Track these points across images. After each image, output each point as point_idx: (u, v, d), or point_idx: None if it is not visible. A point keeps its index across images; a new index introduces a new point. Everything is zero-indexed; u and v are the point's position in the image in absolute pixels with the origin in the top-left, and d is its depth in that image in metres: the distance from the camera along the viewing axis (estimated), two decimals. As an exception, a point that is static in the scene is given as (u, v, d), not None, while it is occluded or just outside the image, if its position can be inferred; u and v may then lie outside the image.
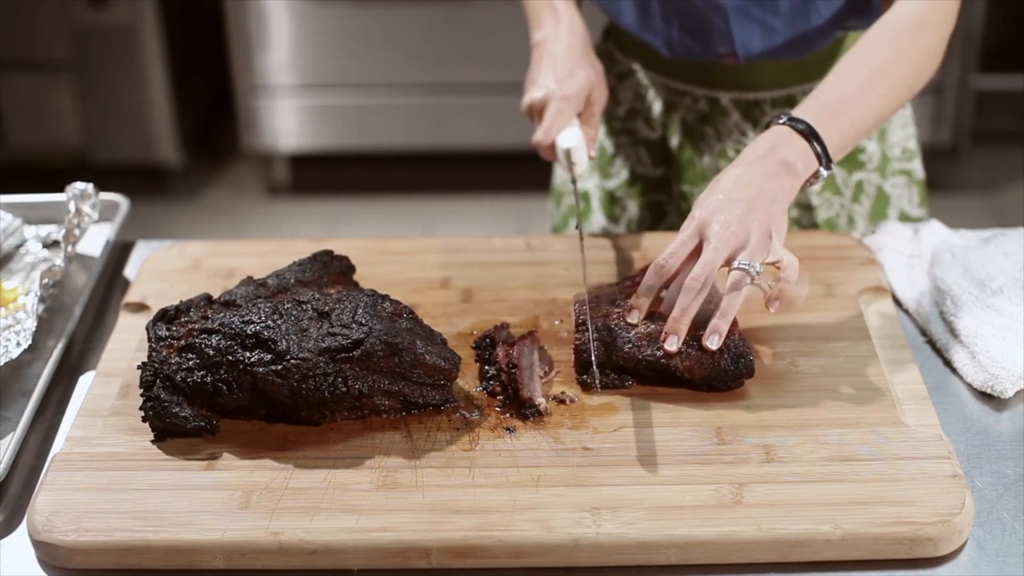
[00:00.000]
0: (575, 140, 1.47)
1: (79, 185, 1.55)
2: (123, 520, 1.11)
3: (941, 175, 4.01)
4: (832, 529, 1.08)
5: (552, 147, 1.48)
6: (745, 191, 1.27)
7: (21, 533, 1.16)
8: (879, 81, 1.39)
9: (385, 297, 1.26)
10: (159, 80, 3.78)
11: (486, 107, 3.64)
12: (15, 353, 1.34)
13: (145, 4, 3.69)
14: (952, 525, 1.09)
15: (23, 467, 1.25)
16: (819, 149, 1.32)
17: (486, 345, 1.34)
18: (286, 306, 1.25)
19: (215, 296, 1.33)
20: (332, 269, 1.39)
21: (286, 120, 3.86)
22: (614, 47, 1.77)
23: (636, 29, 1.62)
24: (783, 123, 1.33)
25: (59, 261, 1.44)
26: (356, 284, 1.39)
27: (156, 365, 1.24)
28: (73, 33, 3.73)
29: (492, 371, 1.29)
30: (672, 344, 1.23)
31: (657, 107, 1.73)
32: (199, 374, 1.22)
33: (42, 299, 1.41)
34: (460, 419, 1.24)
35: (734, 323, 1.28)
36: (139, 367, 1.25)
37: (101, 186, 1.60)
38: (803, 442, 1.19)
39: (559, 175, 1.88)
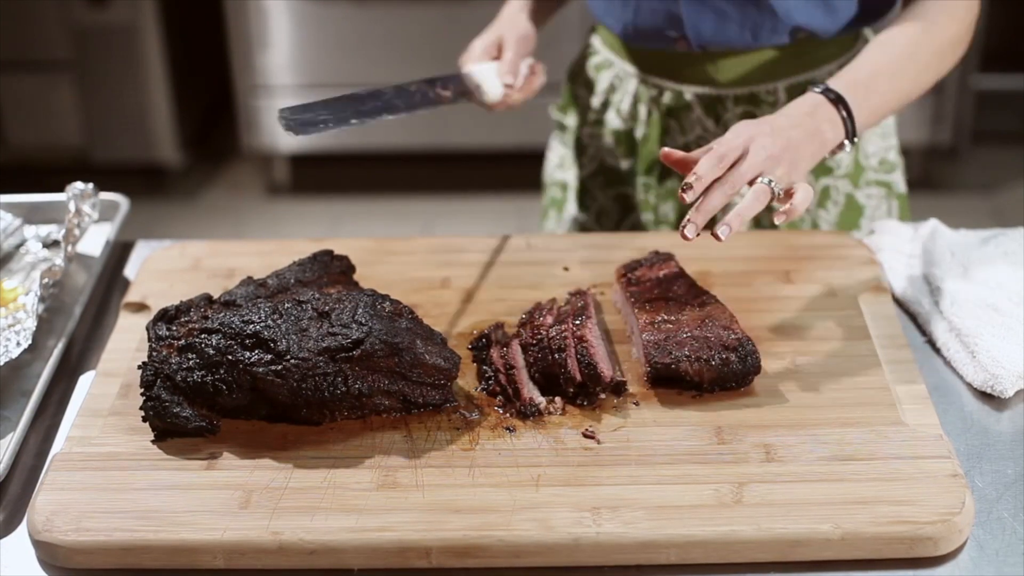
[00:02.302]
0: (483, 72, 1.64)
1: (79, 185, 1.55)
2: (123, 520, 1.11)
3: (941, 175, 4.01)
4: (832, 529, 1.08)
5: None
6: (790, 132, 1.34)
7: (21, 533, 1.16)
8: (907, 63, 1.47)
9: (385, 297, 1.26)
10: (159, 80, 3.78)
11: (486, 107, 3.65)
12: (15, 353, 1.34)
13: (145, 4, 3.70)
14: (952, 525, 1.09)
15: (23, 467, 1.25)
16: (847, 120, 1.39)
17: (482, 345, 1.34)
18: (286, 306, 1.25)
19: (215, 296, 1.33)
20: (332, 269, 1.39)
21: (286, 120, 3.86)
22: (599, 39, 1.83)
23: (599, 14, 1.72)
24: (818, 92, 1.40)
25: (59, 261, 1.44)
26: (356, 284, 1.39)
27: (156, 365, 1.24)
28: (73, 33, 3.73)
29: (490, 372, 1.29)
30: (690, 231, 1.26)
31: (628, 99, 1.76)
32: (199, 374, 1.22)
33: (42, 299, 1.41)
34: (460, 419, 1.24)
35: (736, 321, 1.28)
36: (139, 367, 1.25)
37: (101, 186, 1.60)
38: (803, 442, 1.19)
39: (547, 170, 1.94)
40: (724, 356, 1.25)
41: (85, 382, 1.37)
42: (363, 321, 1.22)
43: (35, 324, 1.37)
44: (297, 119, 1.45)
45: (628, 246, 1.53)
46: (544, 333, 1.30)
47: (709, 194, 1.28)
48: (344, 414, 1.23)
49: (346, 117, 1.49)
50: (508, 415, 1.24)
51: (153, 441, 1.22)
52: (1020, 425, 1.27)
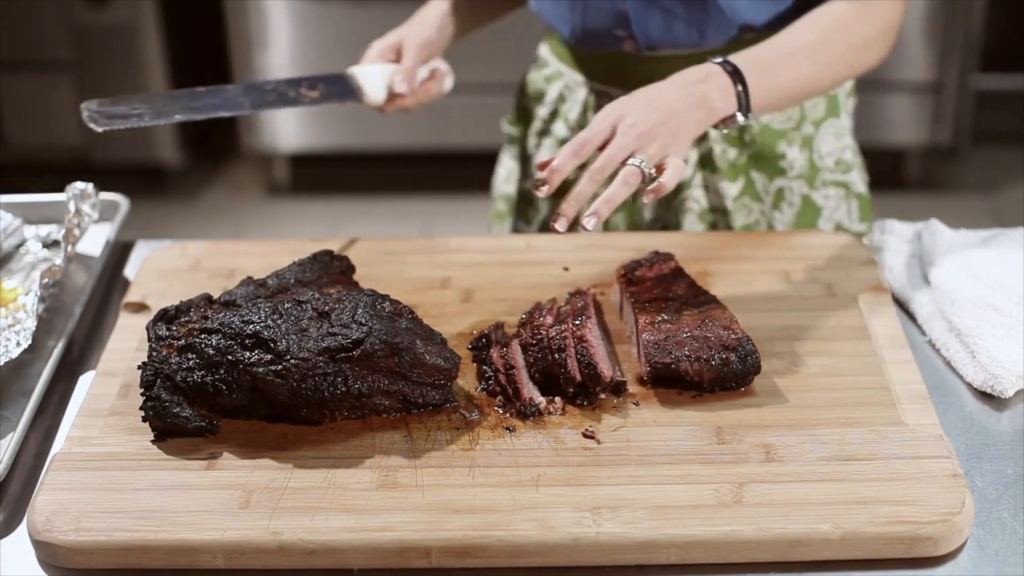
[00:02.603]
0: (366, 74, 1.64)
1: (79, 185, 1.55)
2: (123, 520, 1.11)
3: (941, 175, 4.02)
4: (832, 529, 1.08)
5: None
6: (665, 104, 1.33)
7: (21, 533, 1.16)
8: (815, 52, 1.47)
9: (385, 297, 1.26)
10: (159, 80, 3.78)
11: (486, 107, 3.64)
12: (15, 353, 1.34)
13: (145, 4, 3.70)
14: (952, 525, 1.09)
15: (23, 467, 1.25)
16: (741, 93, 1.39)
17: (482, 345, 1.34)
18: (286, 306, 1.25)
19: (215, 296, 1.33)
20: (332, 269, 1.39)
21: (286, 120, 3.87)
22: (549, 50, 1.82)
23: (548, 17, 1.71)
24: (717, 62, 1.41)
25: (59, 261, 1.44)
26: (356, 284, 1.39)
27: (156, 365, 1.24)
28: (73, 33, 3.73)
29: (490, 372, 1.29)
30: (561, 225, 1.25)
31: (577, 108, 1.76)
32: (199, 374, 1.22)
33: (42, 299, 1.41)
34: (460, 419, 1.24)
35: (736, 321, 1.28)
36: (139, 367, 1.25)
37: (101, 186, 1.60)
38: (803, 442, 1.19)
39: (495, 183, 1.94)
40: (724, 356, 1.25)
41: (85, 382, 1.37)
42: (363, 321, 1.22)
43: (35, 324, 1.37)
44: (103, 111, 1.41)
45: (628, 246, 1.53)
46: (544, 333, 1.30)
47: (579, 182, 1.27)
48: (344, 414, 1.23)
49: (170, 112, 1.45)
50: (508, 415, 1.24)
51: (153, 441, 1.22)
52: (1020, 425, 1.27)
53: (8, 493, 1.21)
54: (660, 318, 1.29)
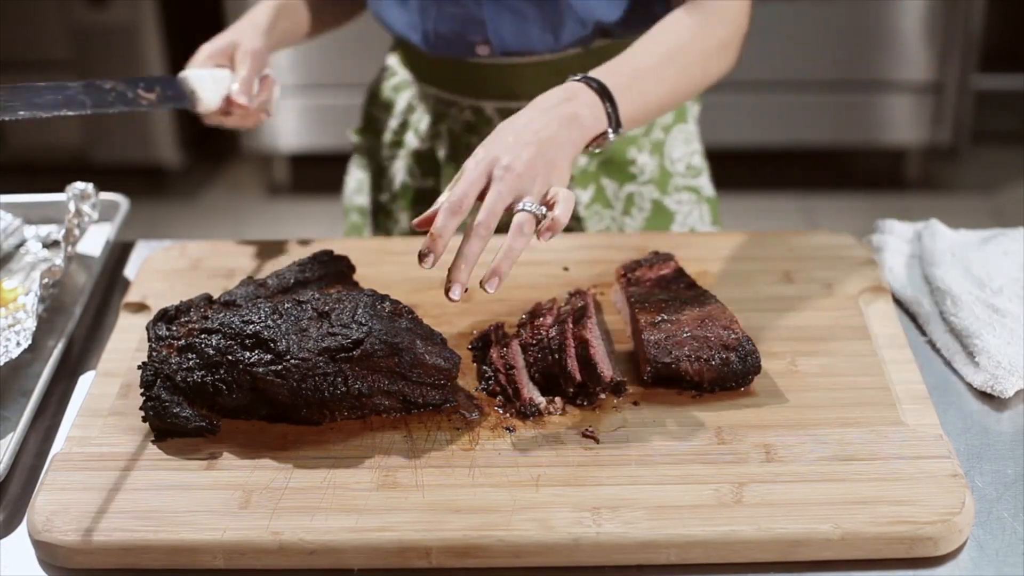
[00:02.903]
0: (200, 78, 1.54)
1: (79, 185, 1.55)
2: (123, 520, 1.11)
3: (941, 175, 4.02)
4: (832, 529, 1.08)
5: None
6: (535, 135, 1.26)
7: (21, 533, 1.16)
8: (673, 60, 1.43)
9: (385, 297, 1.26)
10: (159, 80, 3.78)
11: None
12: (15, 353, 1.34)
13: (145, 4, 3.70)
14: (952, 525, 1.09)
15: (23, 467, 1.25)
16: (610, 110, 1.33)
17: (482, 345, 1.34)
18: (286, 306, 1.25)
19: (215, 296, 1.33)
20: (332, 269, 1.39)
21: (286, 120, 3.87)
22: (396, 61, 1.80)
23: (397, 26, 1.65)
24: (578, 79, 1.35)
25: (59, 261, 1.44)
26: (356, 284, 1.39)
27: (156, 365, 1.24)
28: (73, 33, 3.73)
29: (490, 372, 1.29)
30: (455, 293, 1.18)
31: (426, 119, 1.74)
32: (199, 374, 1.22)
33: (42, 299, 1.41)
34: (460, 419, 1.24)
35: (736, 321, 1.28)
36: (139, 367, 1.25)
37: (101, 186, 1.60)
38: (803, 442, 1.19)
39: (346, 194, 1.90)
40: (724, 356, 1.25)
41: (85, 382, 1.37)
42: (363, 321, 1.22)
43: (35, 324, 1.37)
44: None
45: (628, 246, 1.53)
46: (544, 333, 1.30)
47: (465, 243, 1.19)
48: (344, 414, 1.23)
49: (14, 108, 1.37)
50: (508, 415, 1.24)
51: (153, 441, 1.22)
52: (1020, 425, 1.27)
53: (8, 493, 1.21)
54: (660, 318, 1.29)
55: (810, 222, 3.76)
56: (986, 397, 1.31)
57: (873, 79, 3.76)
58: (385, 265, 1.51)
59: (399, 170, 1.79)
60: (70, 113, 1.43)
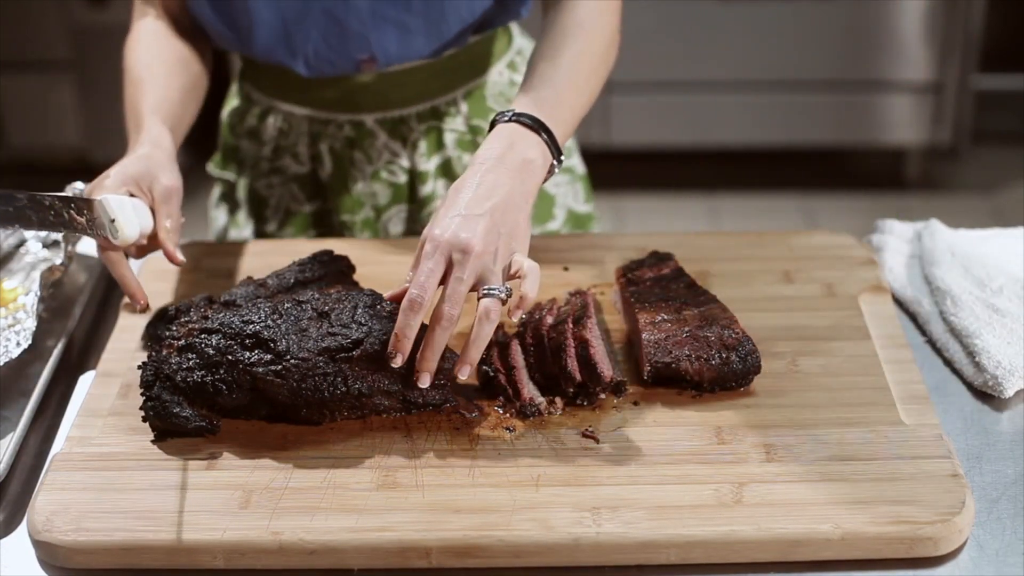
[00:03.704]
0: (122, 204, 1.34)
1: (79, 185, 1.55)
2: (123, 520, 1.11)
3: (941, 175, 4.02)
4: (832, 529, 1.08)
5: None
6: (487, 202, 1.21)
7: (21, 533, 1.16)
8: (580, 64, 1.38)
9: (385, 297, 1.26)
10: (159, 80, 3.78)
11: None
12: (15, 353, 1.33)
13: (145, 4, 3.69)
14: (952, 525, 1.09)
15: (23, 467, 1.25)
16: (547, 140, 1.29)
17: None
18: (286, 306, 1.25)
19: (215, 296, 1.33)
20: (332, 269, 1.39)
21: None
22: (251, 87, 1.73)
23: (274, 55, 1.57)
24: (510, 120, 1.29)
25: (59, 261, 1.44)
26: (356, 284, 1.39)
27: (156, 365, 1.24)
28: (73, 33, 3.73)
29: (490, 372, 1.29)
30: (424, 381, 1.18)
31: (303, 141, 1.69)
32: (199, 374, 1.22)
33: (42, 299, 1.41)
34: (460, 419, 1.24)
35: (736, 321, 1.28)
36: (139, 367, 1.25)
37: (101, 186, 1.60)
38: (803, 442, 1.19)
39: (216, 234, 1.81)
40: (724, 356, 1.25)
41: (85, 382, 1.37)
42: (363, 321, 1.22)
43: (35, 324, 1.37)
44: None
45: (628, 246, 1.53)
46: (544, 333, 1.30)
47: (430, 333, 1.17)
48: (344, 414, 1.23)
49: None
50: (508, 415, 1.24)
51: (153, 441, 1.22)
52: (1020, 425, 1.27)
53: (8, 493, 1.21)
54: (660, 318, 1.29)
55: (810, 222, 3.76)
56: (986, 397, 1.31)
57: (873, 79, 3.76)
58: (385, 265, 1.51)
59: (284, 198, 1.73)
60: (25, 231, 1.46)
